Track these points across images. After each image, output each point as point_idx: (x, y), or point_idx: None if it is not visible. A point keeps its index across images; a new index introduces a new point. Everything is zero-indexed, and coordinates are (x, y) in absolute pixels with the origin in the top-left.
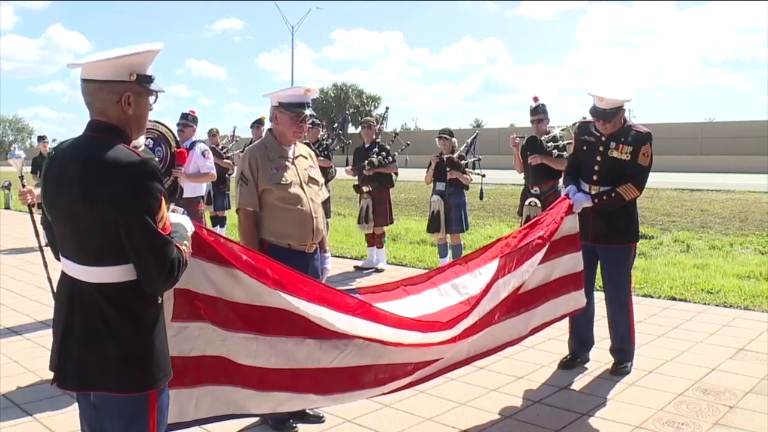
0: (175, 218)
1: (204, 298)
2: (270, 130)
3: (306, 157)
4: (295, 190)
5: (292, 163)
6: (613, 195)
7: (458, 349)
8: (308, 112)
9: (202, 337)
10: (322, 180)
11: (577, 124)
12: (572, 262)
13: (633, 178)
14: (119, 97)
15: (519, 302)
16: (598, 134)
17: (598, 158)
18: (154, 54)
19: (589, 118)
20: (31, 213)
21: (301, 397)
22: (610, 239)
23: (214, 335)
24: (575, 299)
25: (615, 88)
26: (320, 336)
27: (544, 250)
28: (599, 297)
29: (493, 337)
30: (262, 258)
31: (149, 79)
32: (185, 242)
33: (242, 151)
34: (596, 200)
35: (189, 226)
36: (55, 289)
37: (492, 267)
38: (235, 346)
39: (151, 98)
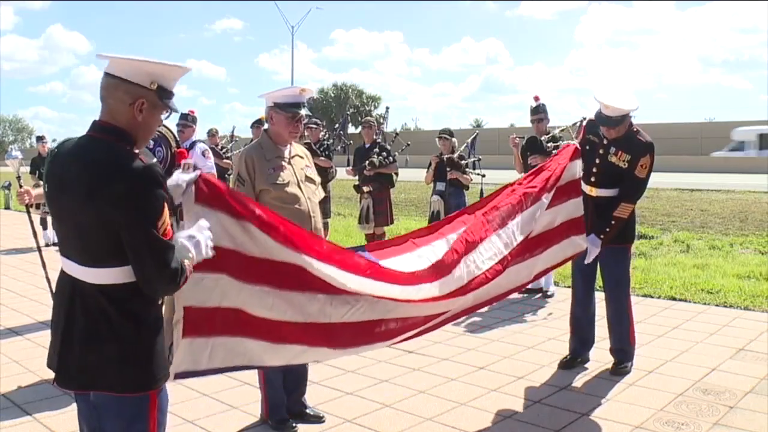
0: (180, 234)
1: (221, 250)
2: (265, 130)
3: (302, 157)
4: (292, 189)
5: (289, 162)
6: (613, 223)
7: (464, 300)
8: (303, 112)
9: (218, 289)
10: (318, 179)
11: (586, 120)
12: (574, 207)
13: (627, 191)
14: (133, 100)
15: (524, 248)
16: (602, 136)
17: (597, 161)
18: (180, 72)
19: (590, 117)
20: (28, 213)
21: (314, 350)
22: (608, 240)
23: (230, 287)
24: (576, 244)
25: (621, 96)
26: (331, 292)
27: (551, 195)
28: (599, 297)
29: (497, 286)
30: (274, 215)
31: (168, 95)
32: (186, 260)
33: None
34: (602, 236)
35: (197, 240)
36: (53, 290)
37: (497, 214)
38: (251, 298)
39: (164, 113)
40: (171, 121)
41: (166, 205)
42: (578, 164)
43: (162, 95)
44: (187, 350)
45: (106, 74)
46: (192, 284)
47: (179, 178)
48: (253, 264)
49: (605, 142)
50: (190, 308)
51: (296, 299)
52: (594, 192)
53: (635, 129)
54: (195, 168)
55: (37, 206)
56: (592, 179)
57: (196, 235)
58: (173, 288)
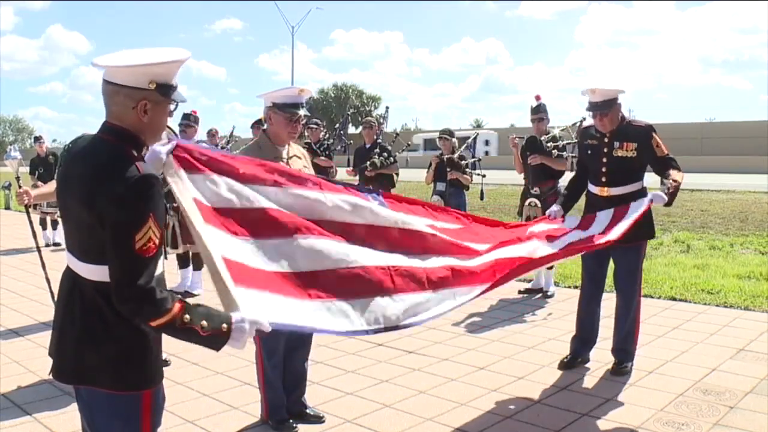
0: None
1: (216, 210)
2: (264, 130)
3: (300, 157)
4: None
5: (287, 163)
6: (676, 183)
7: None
8: (302, 112)
9: (242, 249)
10: None
11: (578, 124)
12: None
13: (667, 166)
14: (135, 103)
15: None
16: (599, 135)
17: (604, 159)
18: (178, 64)
19: (588, 120)
20: (27, 213)
21: (371, 302)
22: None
23: (243, 248)
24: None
25: (606, 81)
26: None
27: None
28: (605, 297)
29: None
30: (253, 163)
31: (170, 89)
32: (203, 323)
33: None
34: (669, 194)
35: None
36: (53, 290)
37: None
38: (268, 254)
39: (171, 106)
40: (173, 122)
41: (151, 220)
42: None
43: (164, 92)
44: (249, 299)
45: (105, 81)
46: (219, 239)
47: (157, 150)
48: (253, 216)
49: (606, 140)
50: (227, 259)
51: (314, 244)
52: (606, 192)
53: (628, 120)
54: (172, 138)
55: (35, 206)
56: (603, 179)
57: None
58: (133, 305)
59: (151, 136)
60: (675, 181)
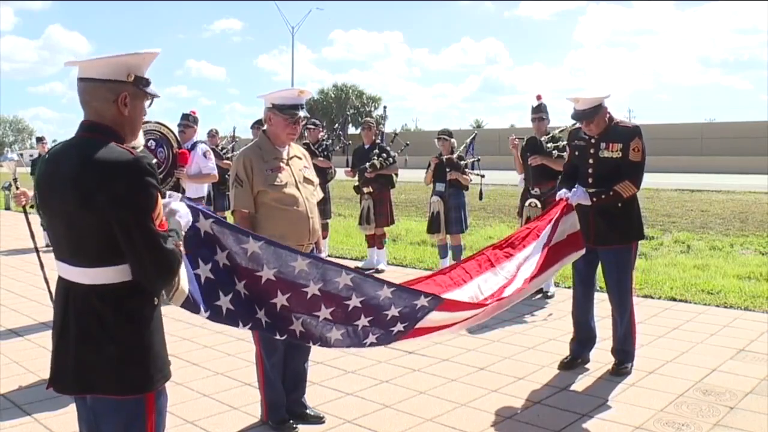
0: (170, 214)
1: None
2: (264, 131)
3: (300, 158)
4: (290, 190)
5: (287, 163)
6: (611, 193)
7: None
8: (302, 113)
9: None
10: (316, 180)
11: (577, 124)
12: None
13: (628, 175)
14: (116, 96)
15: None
16: (588, 137)
17: (591, 161)
18: (152, 57)
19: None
20: (25, 214)
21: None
22: (610, 240)
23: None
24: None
25: (590, 88)
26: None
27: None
28: (600, 297)
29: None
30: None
31: (146, 82)
32: (180, 239)
33: None
34: (594, 198)
35: (184, 217)
36: (52, 290)
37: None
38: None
39: (147, 102)
40: (172, 122)
41: (159, 196)
42: (574, 216)
43: (140, 84)
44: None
45: (82, 79)
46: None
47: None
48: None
49: (593, 141)
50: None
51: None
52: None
53: (616, 121)
54: (181, 198)
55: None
56: (590, 180)
57: (178, 210)
58: (170, 279)
59: (130, 130)
60: (615, 192)
